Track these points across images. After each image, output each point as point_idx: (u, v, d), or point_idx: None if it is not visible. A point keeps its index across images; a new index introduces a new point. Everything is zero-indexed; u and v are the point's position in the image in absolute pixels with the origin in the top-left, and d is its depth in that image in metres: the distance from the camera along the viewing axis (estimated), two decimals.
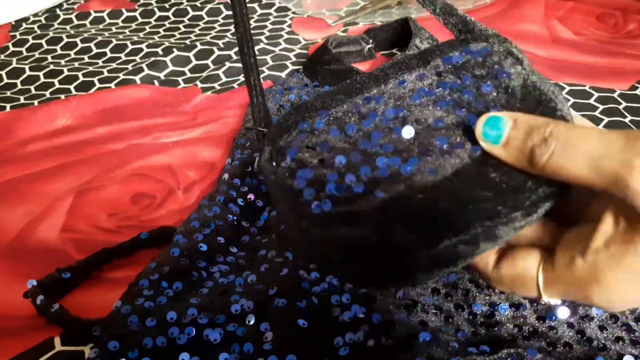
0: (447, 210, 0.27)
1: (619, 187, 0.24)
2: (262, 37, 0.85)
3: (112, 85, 0.75)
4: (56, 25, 0.93)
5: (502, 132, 0.27)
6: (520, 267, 0.29)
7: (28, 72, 0.79)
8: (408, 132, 0.29)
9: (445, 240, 0.27)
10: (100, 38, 0.86)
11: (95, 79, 0.76)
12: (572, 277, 0.27)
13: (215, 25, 0.91)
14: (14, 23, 0.94)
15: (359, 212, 0.28)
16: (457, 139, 0.29)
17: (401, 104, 0.31)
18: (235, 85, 0.74)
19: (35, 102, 0.73)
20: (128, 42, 0.84)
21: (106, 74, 0.77)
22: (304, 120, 0.31)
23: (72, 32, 0.90)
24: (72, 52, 0.84)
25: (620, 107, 0.64)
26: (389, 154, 0.29)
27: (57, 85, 0.76)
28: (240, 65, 0.78)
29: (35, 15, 0.96)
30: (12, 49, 0.87)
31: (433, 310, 0.40)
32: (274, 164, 0.31)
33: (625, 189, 0.24)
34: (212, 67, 0.79)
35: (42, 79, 0.78)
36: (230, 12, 0.94)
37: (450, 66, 0.31)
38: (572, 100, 0.66)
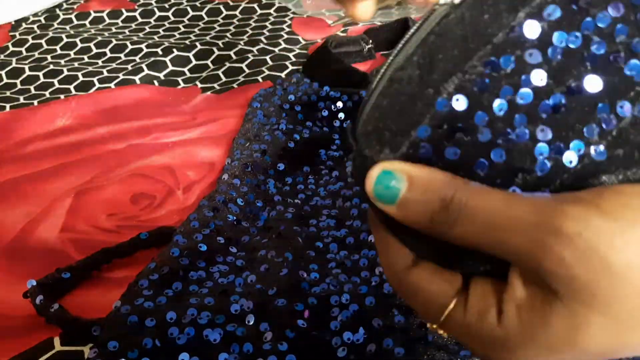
0: None
1: (528, 265, 0.21)
2: (262, 37, 0.85)
3: (111, 85, 0.75)
4: (56, 25, 0.93)
5: (397, 193, 0.23)
6: (435, 286, 0.25)
7: (28, 72, 0.79)
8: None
9: None
10: (100, 38, 0.86)
11: (95, 79, 0.76)
12: (481, 334, 0.23)
13: (215, 25, 0.91)
14: (13, 23, 0.94)
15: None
16: None
17: None
18: (235, 85, 0.74)
19: (35, 102, 0.73)
20: (128, 42, 0.84)
21: (106, 74, 0.77)
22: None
23: (71, 32, 0.90)
24: (71, 52, 0.84)
25: None
26: None
27: (57, 85, 0.76)
28: (239, 65, 0.78)
29: (35, 15, 0.96)
30: (11, 49, 0.87)
31: None
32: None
33: (536, 268, 0.21)
34: (212, 67, 0.78)
35: (42, 79, 0.77)
36: (229, 12, 0.94)
37: None
38: None
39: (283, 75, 0.75)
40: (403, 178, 0.23)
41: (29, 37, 0.88)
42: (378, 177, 0.24)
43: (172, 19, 0.94)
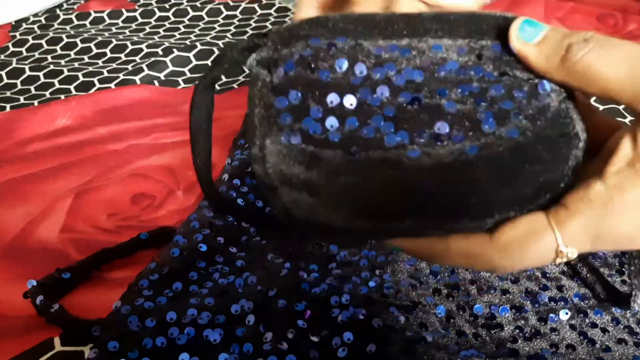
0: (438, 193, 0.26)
1: None
2: None
3: (112, 85, 0.75)
4: (56, 26, 0.93)
5: (540, 31, 0.27)
6: (525, 223, 0.26)
7: (28, 72, 0.79)
8: (416, 101, 0.27)
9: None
10: (100, 38, 0.86)
11: (95, 79, 0.76)
12: (592, 207, 0.25)
13: (215, 25, 0.91)
14: (14, 23, 0.94)
15: (322, 159, 0.26)
16: (459, 131, 0.26)
17: (424, 69, 0.27)
18: (235, 85, 0.74)
19: (35, 102, 0.73)
20: (128, 43, 0.84)
21: (106, 74, 0.77)
22: (317, 36, 0.28)
23: (72, 32, 0.90)
24: (72, 52, 0.84)
25: (620, 107, 0.64)
26: (385, 117, 0.26)
27: (57, 86, 0.76)
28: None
29: (35, 15, 0.96)
30: (12, 49, 0.87)
31: (433, 311, 0.40)
32: (266, 70, 0.28)
33: None
34: None
35: (42, 79, 0.77)
36: (230, 13, 0.94)
37: (496, 54, 0.28)
38: None
39: None
40: (545, 25, 0.27)
41: (29, 38, 0.88)
42: (524, 20, 0.28)
43: (173, 19, 0.94)
